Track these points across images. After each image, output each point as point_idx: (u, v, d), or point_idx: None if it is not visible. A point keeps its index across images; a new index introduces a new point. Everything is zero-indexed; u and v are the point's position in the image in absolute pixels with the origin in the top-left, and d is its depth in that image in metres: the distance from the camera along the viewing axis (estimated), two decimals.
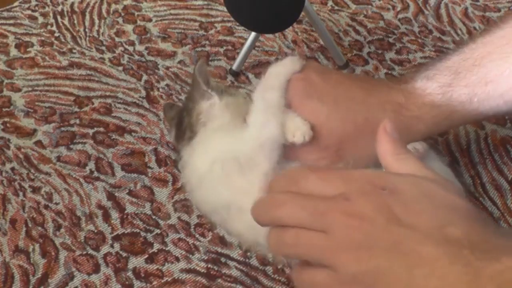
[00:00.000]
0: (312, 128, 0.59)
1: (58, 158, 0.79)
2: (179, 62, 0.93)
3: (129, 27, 1.00)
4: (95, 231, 0.71)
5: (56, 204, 0.73)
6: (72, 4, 1.04)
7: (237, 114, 0.62)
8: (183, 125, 0.64)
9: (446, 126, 0.69)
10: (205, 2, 1.04)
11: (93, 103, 0.86)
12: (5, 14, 1.02)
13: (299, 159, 0.61)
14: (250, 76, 0.90)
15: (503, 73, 0.61)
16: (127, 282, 0.66)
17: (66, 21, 1.01)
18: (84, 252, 0.69)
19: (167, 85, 0.89)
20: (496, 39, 0.63)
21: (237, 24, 0.97)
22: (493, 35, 0.64)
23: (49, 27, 1.00)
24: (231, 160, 0.59)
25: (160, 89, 0.88)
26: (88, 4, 1.04)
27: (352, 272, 0.40)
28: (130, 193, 0.74)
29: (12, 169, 0.77)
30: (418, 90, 0.63)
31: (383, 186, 0.42)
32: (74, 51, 0.95)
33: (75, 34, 0.98)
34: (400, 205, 0.41)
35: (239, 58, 0.90)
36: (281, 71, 0.61)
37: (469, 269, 0.38)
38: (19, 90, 0.89)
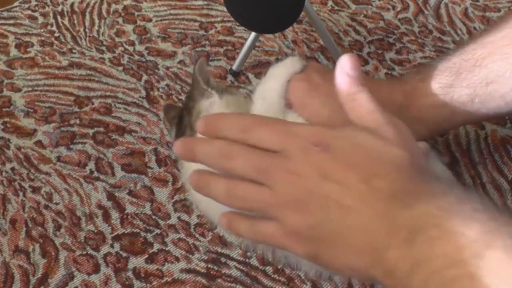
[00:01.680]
0: None
1: (58, 158, 0.79)
2: (179, 62, 0.93)
3: (129, 27, 0.99)
4: (95, 231, 0.71)
5: (56, 204, 0.73)
6: (72, 4, 1.04)
7: None
8: (183, 124, 0.64)
9: (447, 126, 0.70)
10: (205, 2, 1.04)
11: (93, 103, 0.86)
12: (5, 14, 1.02)
13: None
14: (250, 76, 0.90)
15: (504, 74, 0.61)
16: (127, 282, 0.66)
17: (66, 21, 1.01)
18: (84, 252, 0.69)
19: (167, 85, 0.89)
20: (497, 39, 0.63)
21: (237, 24, 0.97)
22: (494, 35, 0.64)
23: (49, 27, 1.00)
24: None
25: (160, 89, 0.88)
26: (88, 4, 1.04)
27: (294, 225, 0.44)
28: (130, 193, 0.74)
29: (12, 169, 0.77)
30: (419, 91, 0.64)
31: (319, 143, 0.45)
32: (74, 51, 0.95)
33: (75, 34, 0.98)
34: (331, 161, 0.44)
35: (239, 58, 0.89)
36: (282, 71, 0.61)
37: (387, 218, 0.41)
38: (19, 90, 0.88)
